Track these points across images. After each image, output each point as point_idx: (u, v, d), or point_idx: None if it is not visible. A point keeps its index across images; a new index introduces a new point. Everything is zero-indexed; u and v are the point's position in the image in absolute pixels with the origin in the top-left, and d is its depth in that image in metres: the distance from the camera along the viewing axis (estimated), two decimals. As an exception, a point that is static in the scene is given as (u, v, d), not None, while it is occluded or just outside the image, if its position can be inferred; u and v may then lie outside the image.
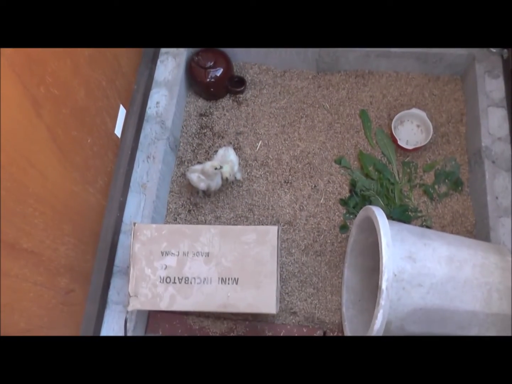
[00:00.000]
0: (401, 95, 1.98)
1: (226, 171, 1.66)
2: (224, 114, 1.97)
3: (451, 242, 1.46)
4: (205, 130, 1.94)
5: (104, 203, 1.60)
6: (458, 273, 1.40)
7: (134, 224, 1.45)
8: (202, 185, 1.70)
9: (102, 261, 1.61)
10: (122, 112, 1.70)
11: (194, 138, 1.94)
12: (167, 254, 1.47)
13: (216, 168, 1.62)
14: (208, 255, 1.43)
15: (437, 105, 1.94)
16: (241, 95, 2.00)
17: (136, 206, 1.73)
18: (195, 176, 1.68)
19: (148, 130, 1.83)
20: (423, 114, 1.87)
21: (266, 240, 1.45)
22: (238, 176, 1.78)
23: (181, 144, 1.94)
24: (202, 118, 1.96)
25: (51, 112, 1.16)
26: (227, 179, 1.69)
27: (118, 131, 1.67)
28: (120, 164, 1.68)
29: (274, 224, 1.75)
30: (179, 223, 1.79)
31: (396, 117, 1.85)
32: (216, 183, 1.71)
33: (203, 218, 1.80)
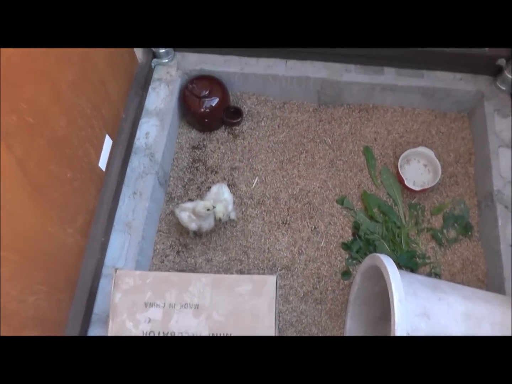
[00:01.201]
0: (407, 131, 1.90)
1: (220, 211, 1.54)
2: (219, 147, 1.86)
3: (466, 295, 1.34)
4: (198, 164, 1.83)
5: (84, 244, 1.46)
6: (476, 332, 1.27)
7: (116, 270, 1.29)
8: (193, 226, 1.57)
9: (79, 309, 1.44)
10: (108, 142, 1.57)
11: (186, 172, 1.82)
12: (152, 306, 1.31)
13: (208, 209, 1.49)
14: (197, 307, 1.28)
15: (444, 144, 1.86)
16: (237, 127, 1.90)
17: (120, 247, 1.57)
18: (186, 215, 1.55)
19: (136, 163, 1.70)
20: (430, 153, 1.78)
21: (263, 292, 1.31)
22: (233, 216, 1.66)
23: (171, 178, 1.81)
24: (194, 151, 1.86)
25: (23, 143, 1.02)
26: (220, 219, 1.55)
27: (102, 164, 1.53)
28: (103, 200, 1.54)
29: (271, 269, 1.64)
30: (166, 266, 1.66)
31: (402, 155, 1.76)
32: (208, 224, 1.58)
33: (193, 260, 1.66)
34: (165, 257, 1.67)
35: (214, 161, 1.83)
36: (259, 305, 1.29)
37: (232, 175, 1.80)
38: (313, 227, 1.72)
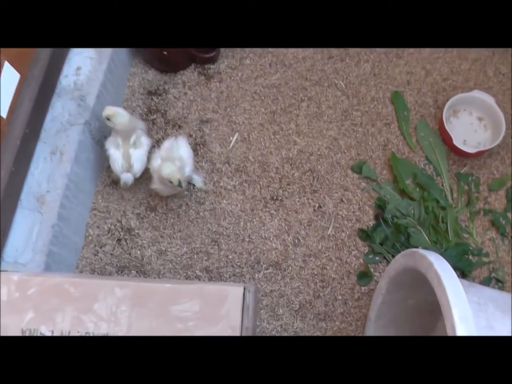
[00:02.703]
0: (453, 73, 1.64)
1: (169, 172, 1.28)
2: (185, 93, 1.61)
3: None
4: (155, 116, 1.56)
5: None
6: None
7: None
8: (125, 177, 1.37)
9: None
10: (10, 76, 1.23)
11: None
12: (32, 334, 0.86)
13: (171, 182, 1.28)
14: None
15: (506, 89, 1.58)
16: (211, 66, 1.65)
17: (27, 233, 1.25)
18: (118, 156, 1.35)
19: (59, 109, 1.37)
20: (490, 100, 1.49)
21: (220, 315, 0.85)
22: (199, 184, 1.42)
23: (115, 134, 1.50)
24: (151, 98, 1.60)
25: None
26: (180, 184, 1.29)
27: (3, 110, 1.21)
28: (4, 164, 1.22)
29: (252, 267, 1.33)
30: (101, 260, 1.35)
31: (448, 104, 1.48)
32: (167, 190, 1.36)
33: (139, 252, 1.37)
34: (100, 247, 1.39)
35: (178, 112, 1.57)
36: (213, 339, 0.83)
37: (201, 130, 1.54)
38: (317, 205, 1.46)
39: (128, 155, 1.35)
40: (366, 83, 1.62)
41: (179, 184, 1.29)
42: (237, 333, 0.84)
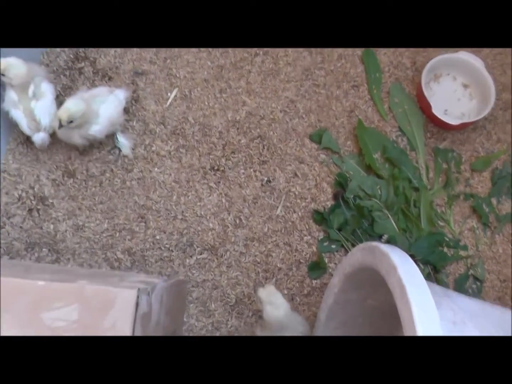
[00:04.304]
0: None
1: (69, 107, 1.18)
2: None
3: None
4: (82, 64, 1.41)
5: None
6: None
7: None
8: (38, 137, 1.24)
9: None
10: None
11: (60, 76, 1.40)
12: None
13: (71, 122, 1.17)
14: None
15: (496, 53, 1.47)
16: None
17: None
18: (20, 115, 1.23)
19: None
20: (479, 64, 1.37)
21: (103, 327, 0.67)
22: (125, 149, 1.30)
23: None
24: None
25: None
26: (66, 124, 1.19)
27: None
28: None
29: (183, 250, 1.21)
30: (9, 235, 1.23)
31: (428, 65, 1.36)
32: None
33: (52, 226, 1.25)
34: (8, 218, 1.27)
35: (110, 61, 1.42)
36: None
37: (135, 84, 1.39)
38: (265, 179, 1.35)
39: (30, 111, 1.21)
40: (333, 36, 1.43)
41: (60, 126, 1.18)
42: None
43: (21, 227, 1.21)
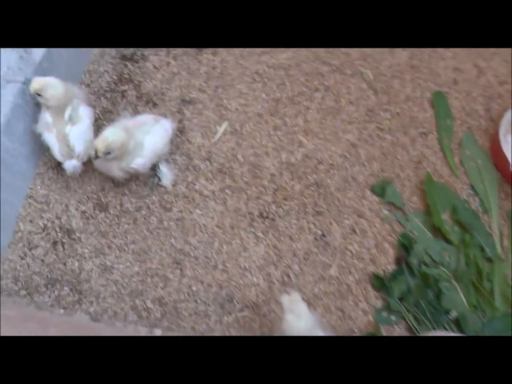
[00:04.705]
0: None
1: (107, 137, 1.13)
2: (168, 63, 1.46)
3: None
4: (126, 87, 1.40)
5: None
6: None
7: None
8: (69, 165, 1.20)
9: None
10: None
11: (101, 97, 1.40)
12: None
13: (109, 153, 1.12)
14: None
15: None
16: None
17: None
18: (52, 139, 1.17)
19: None
20: None
21: None
22: (165, 178, 1.25)
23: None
24: (125, 64, 1.45)
25: None
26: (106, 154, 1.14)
27: None
28: None
29: (221, 306, 1.15)
30: (28, 268, 1.22)
31: (506, 116, 1.31)
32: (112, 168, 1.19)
33: (77, 264, 1.19)
34: (30, 249, 1.21)
35: (156, 86, 1.41)
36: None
37: (181, 113, 1.36)
38: (320, 233, 1.27)
39: (64, 135, 1.16)
40: (400, 77, 1.47)
41: (96, 156, 1.12)
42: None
43: (42, 260, 1.17)
